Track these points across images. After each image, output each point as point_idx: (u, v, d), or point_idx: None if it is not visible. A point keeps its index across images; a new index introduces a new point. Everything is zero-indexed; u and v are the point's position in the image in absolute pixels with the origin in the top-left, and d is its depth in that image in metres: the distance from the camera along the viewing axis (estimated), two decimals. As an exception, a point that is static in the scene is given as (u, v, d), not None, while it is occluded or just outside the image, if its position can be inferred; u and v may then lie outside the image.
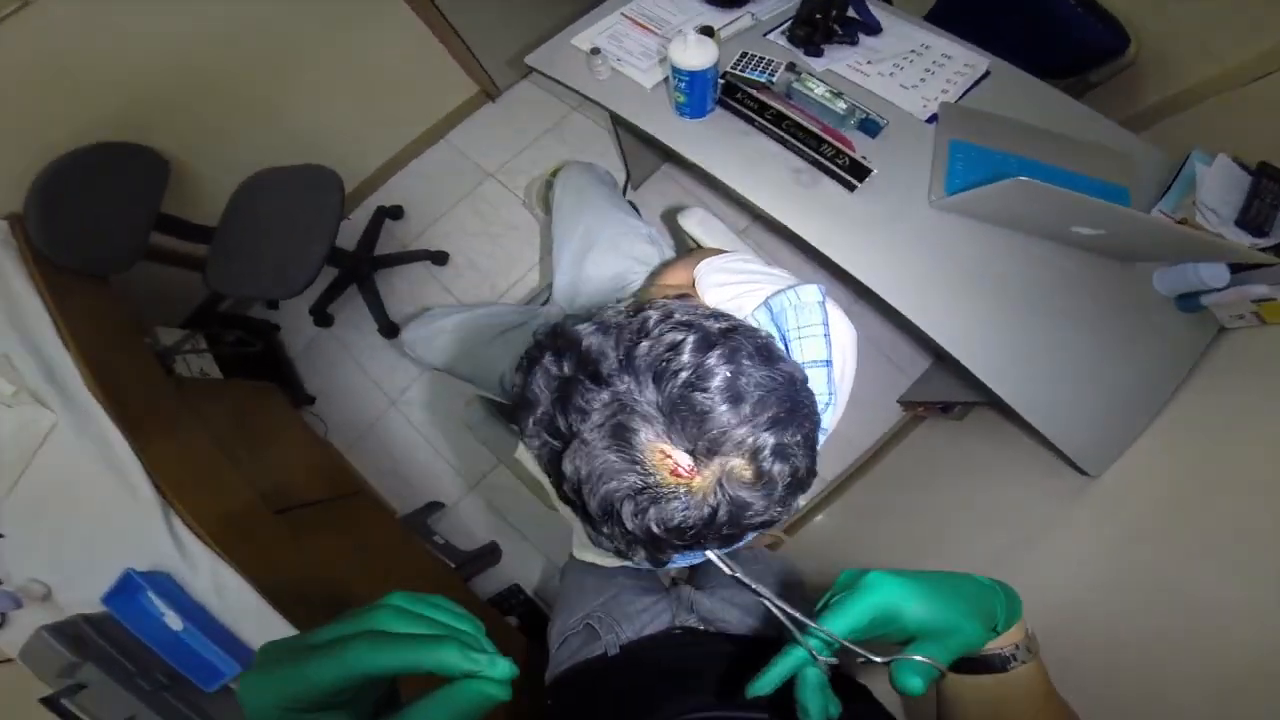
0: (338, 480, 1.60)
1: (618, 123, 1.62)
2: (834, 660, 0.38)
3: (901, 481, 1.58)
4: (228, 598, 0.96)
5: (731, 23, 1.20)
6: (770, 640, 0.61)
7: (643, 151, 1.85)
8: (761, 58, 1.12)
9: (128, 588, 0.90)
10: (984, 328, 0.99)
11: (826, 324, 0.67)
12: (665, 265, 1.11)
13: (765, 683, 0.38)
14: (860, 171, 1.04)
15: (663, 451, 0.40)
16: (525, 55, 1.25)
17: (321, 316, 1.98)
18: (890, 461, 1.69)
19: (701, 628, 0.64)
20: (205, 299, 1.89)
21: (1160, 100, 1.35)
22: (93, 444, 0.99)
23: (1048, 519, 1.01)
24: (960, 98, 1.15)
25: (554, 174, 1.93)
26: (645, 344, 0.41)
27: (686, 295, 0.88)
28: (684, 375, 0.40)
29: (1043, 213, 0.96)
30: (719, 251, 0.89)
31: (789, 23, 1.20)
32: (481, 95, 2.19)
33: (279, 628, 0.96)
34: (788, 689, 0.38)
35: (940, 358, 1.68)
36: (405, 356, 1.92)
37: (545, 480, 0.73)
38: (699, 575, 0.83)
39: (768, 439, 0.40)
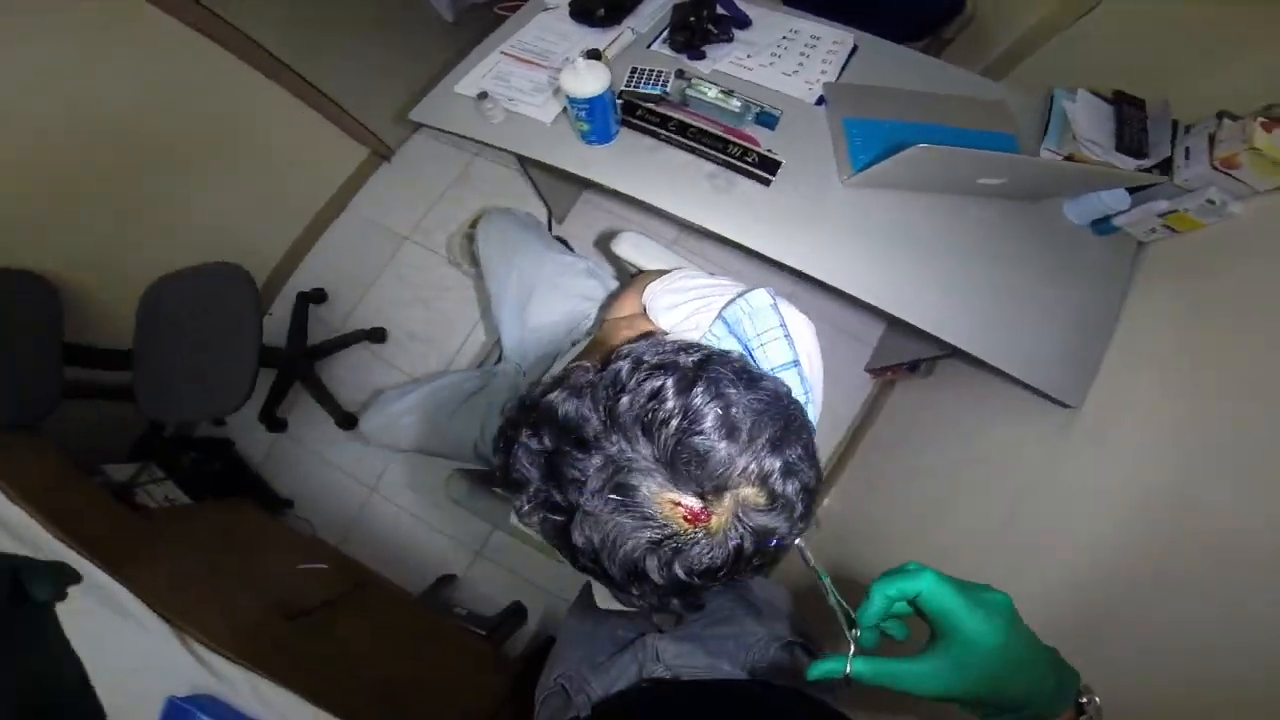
0: (343, 574, 1.54)
1: (525, 162, 1.61)
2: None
3: (892, 449, 1.55)
4: (278, 709, 0.92)
5: (614, 41, 1.19)
6: (739, 682, 0.58)
7: (559, 184, 1.84)
8: (651, 70, 1.13)
9: (177, 714, 0.86)
10: (922, 286, 1.01)
11: (784, 324, 0.67)
12: (611, 297, 1.11)
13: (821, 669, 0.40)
14: (770, 165, 1.07)
15: (672, 500, 0.39)
16: (408, 111, 1.20)
17: (273, 422, 1.89)
18: (876, 431, 1.66)
19: (669, 677, 0.60)
20: (146, 427, 1.77)
21: (1009, 47, 1.44)
22: (80, 588, 0.93)
23: (1047, 456, 0.99)
24: (839, 75, 1.19)
25: (474, 225, 1.91)
26: (625, 399, 0.40)
27: (646, 327, 0.89)
28: (674, 422, 0.39)
29: (948, 172, 1.00)
30: (661, 273, 0.90)
31: (667, 30, 1.22)
32: (375, 158, 2.13)
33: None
34: None
35: (893, 321, 1.73)
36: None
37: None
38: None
39: (773, 462, 0.40)
